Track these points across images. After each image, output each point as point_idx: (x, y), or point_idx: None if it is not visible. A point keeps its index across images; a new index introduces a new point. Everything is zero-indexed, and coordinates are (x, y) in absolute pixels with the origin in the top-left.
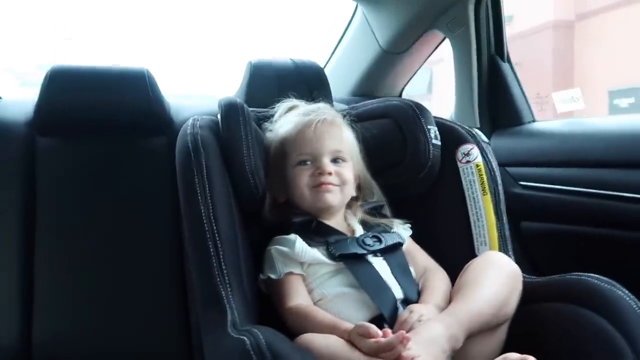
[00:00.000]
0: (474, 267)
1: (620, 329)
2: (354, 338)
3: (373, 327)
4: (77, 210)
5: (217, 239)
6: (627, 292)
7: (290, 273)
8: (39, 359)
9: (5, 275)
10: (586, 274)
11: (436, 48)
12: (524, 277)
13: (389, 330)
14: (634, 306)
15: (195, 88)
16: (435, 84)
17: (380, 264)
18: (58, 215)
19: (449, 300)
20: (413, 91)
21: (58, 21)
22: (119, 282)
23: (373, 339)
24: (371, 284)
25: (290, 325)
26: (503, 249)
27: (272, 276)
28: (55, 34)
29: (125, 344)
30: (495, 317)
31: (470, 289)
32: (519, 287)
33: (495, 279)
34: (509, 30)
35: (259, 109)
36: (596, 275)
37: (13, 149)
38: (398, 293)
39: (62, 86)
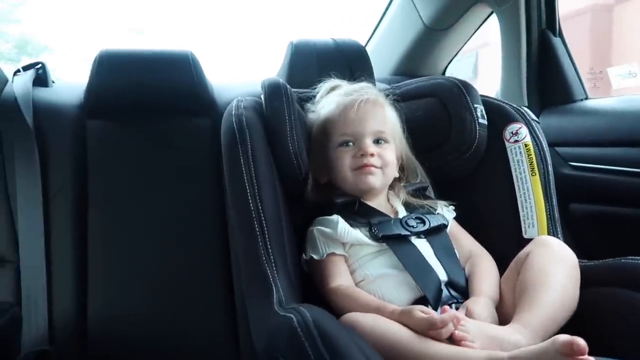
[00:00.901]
0: (536, 262)
1: None
2: (403, 316)
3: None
4: (125, 190)
5: (263, 218)
6: None
7: (333, 254)
8: (94, 336)
9: (61, 253)
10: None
11: (483, 23)
12: None
13: (447, 307)
14: None
15: (238, 71)
16: (481, 68)
17: (423, 246)
18: (108, 196)
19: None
20: (458, 75)
21: (129, 13)
22: (167, 261)
23: (426, 315)
24: (414, 266)
25: (333, 305)
26: (552, 231)
27: (315, 257)
28: (126, 25)
29: (172, 320)
30: (567, 318)
31: (541, 292)
32: (579, 278)
33: (563, 277)
34: None
35: (300, 90)
36: None
37: (65, 131)
38: (442, 275)
39: (110, 70)
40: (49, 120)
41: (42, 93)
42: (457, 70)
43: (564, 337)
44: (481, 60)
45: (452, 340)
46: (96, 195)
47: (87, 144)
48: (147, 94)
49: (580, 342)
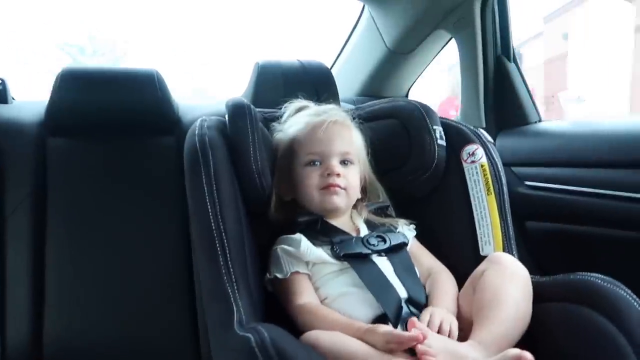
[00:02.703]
0: (491, 280)
1: (622, 328)
2: (368, 334)
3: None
4: (87, 209)
5: (224, 237)
6: (629, 292)
7: (297, 272)
8: (50, 356)
9: (16, 274)
10: (589, 273)
11: (443, 47)
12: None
13: (415, 320)
14: (637, 306)
15: (203, 90)
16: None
17: (384, 264)
18: (68, 214)
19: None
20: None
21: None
22: (128, 280)
23: (388, 330)
24: (375, 284)
25: (300, 323)
26: (507, 248)
27: (279, 275)
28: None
29: (134, 340)
30: (521, 333)
31: (494, 310)
32: (532, 293)
33: (516, 294)
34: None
35: (266, 110)
36: (599, 275)
37: (25, 149)
38: (402, 293)
39: (72, 87)
40: (8, 137)
41: (2, 109)
42: None
43: (513, 351)
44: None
45: (414, 353)
46: (55, 215)
47: (48, 162)
48: (110, 112)
49: (528, 356)
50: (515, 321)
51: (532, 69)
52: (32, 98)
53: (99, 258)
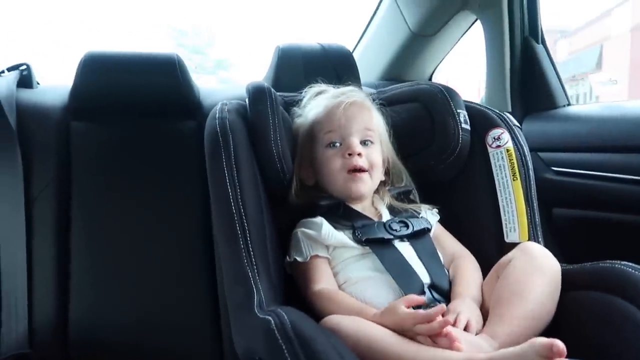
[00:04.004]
0: (516, 271)
1: None
2: (386, 315)
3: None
4: (110, 192)
5: (245, 221)
6: None
7: (317, 256)
8: (76, 339)
9: (42, 256)
10: (619, 261)
11: (467, 29)
12: None
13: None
14: None
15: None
16: (605, 61)
17: (407, 249)
18: (92, 197)
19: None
20: (580, 68)
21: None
22: (151, 261)
23: (409, 310)
24: (397, 269)
25: (317, 308)
26: (533, 235)
27: (299, 259)
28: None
29: (156, 320)
30: (540, 329)
31: (514, 305)
32: (559, 288)
33: (541, 288)
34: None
35: (286, 94)
36: (630, 264)
37: (49, 133)
38: (425, 278)
39: (95, 72)
40: (33, 121)
41: (26, 94)
42: (579, 62)
43: (542, 340)
44: (605, 53)
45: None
46: (79, 197)
47: (71, 146)
48: (132, 96)
49: (559, 344)
50: (533, 319)
51: (618, 36)
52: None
53: (122, 240)
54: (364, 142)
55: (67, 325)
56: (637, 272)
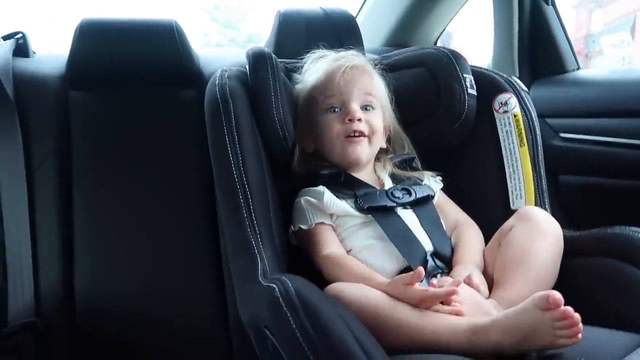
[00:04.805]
0: (518, 237)
1: None
2: (393, 287)
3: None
4: (110, 161)
5: (247, 189)
6: None
7: (322, 223)
8: (82, 308)
9: (45, 227)
10: (625, 226)
11: None
12: (562, 231)
13: (444, 278)
14: None
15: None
16: (639, 31)
17: (409, 217)
18: (93, 167)
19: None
20: (613, 38)
21: None
22: (153, 230)
23: (416, 287)
24: (399, 237)
25: (325, 273)
26: (540, 202)
27: (303, 227)
28: None
29: (161, 294)
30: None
31: (518, 271)
32: (562, 251)
33: (544, 252)
34: None
35: (288, 60)
36: (636, 229)
37: (47, 103)
38: (428, 246)
39: (92, 39)
40: (30, 91)
41: (23, 63)
42: (614, 31)
43: (540, 293)
44: (639, 23)
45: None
46: (80, 167)
47: (70, 115)
48: (130, 64)
49: (556, 294)
50: (539, 283)
51: None
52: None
53: (124, 209)
54: (364, 107)
55: (73, 293)
56: None
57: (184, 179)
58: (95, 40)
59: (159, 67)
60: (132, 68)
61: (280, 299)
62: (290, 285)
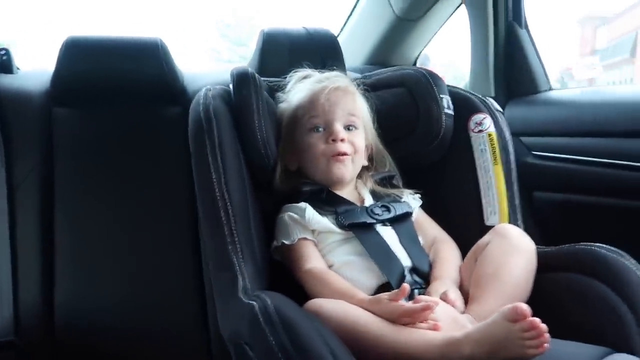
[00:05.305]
0: (493, 253)
1: (623, 296)
2: (373, 304)
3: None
4: (93, 177)
5: (229, 207)
6: (634, 262)
7: (304, 238)
8: (62, 325)
9: (26, 241)
10: (594, 244)
11: (452, 14)
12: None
13: (420, 297)
14: (639, 275)
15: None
16: None
17: (388, 233)
18: (75, 183)
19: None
20: (614, 55)
21: None
22: (135, 247)
23: (396, 303)
24: (379, 253)
25: (307, 287)
26: (513, 219)
27: (286, 242)
28: None
29: (142, 310)
30: None
31: (492, 286)
32: (535, 267)
33: (517, 269)
34: None
35: (271, 79)
36: (604, 246)
37: (31, 119)
38: (406, 262)
39: (77, 56)
40: (14, 107)
41: (7, 80)
42: (613, 50)
43: (508, 306)
44: None
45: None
46: (62, 184)
47: (54, 132)
48: (115, 81)
49: (523, 306)
50: (512, 298)
51: None
52: (38, 67)
53: (106, 226)
54: (347, 127)
55: (53, 310)
56: (610, 254)
57: (166, 195)
58: (81, 57)
59: (143, 84)
60: (117, 85)
61: (260, 316)
62: (269, 302)
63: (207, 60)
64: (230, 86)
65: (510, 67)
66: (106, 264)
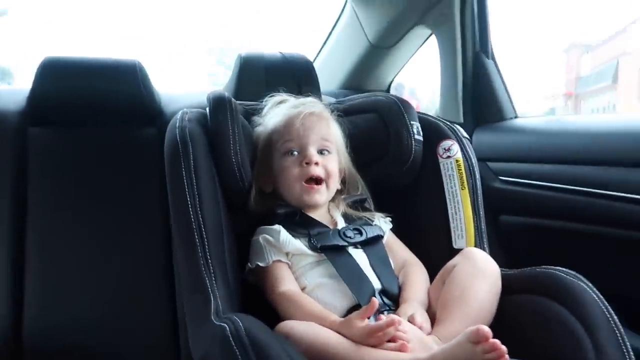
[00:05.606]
0: (459, 276)
1: (581, 319)
2: (342, 326)
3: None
4: (67, 199)
5: (203, 230)
6: (590, 285)
7: (279, 260)
8: (31, 346)
9: None
10: (554, 267)
11: (423, 43)
12: (500, 270)
13: (382, 316)
14: (596, 298)
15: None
16: (621, 75)
17: (360, 256)
18: (49, 205)
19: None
20: (597, 82)
21: None
22: (108, 269)
23: (363, 324)
24: (350, 275)
25: (280, 311)
26: (479, 242)
27: (261, 264)
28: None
29: (112, 328)
30: None
31: (458, 308)
32: (499, 290)
33: (482, 291)
34: None
35: (247, 103)
36: (563, 269)
37: (5, 138)
38: (376, 284)
39: (54, 77)
40: None
41: None
42: (596, 77)
43: (471, 328)
44: (622, 68)
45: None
46: (36, 204)
47: (29, 152)
48: (92, 102)
49: (485, 328)
50: (477, 321)
51: (631, 52)
52: (15, 86)
53: (79, 247)
54: (321, 152)
55: (21, 332)
56: (569, 278)
57: (142, 218)
58: (58, 78)
59: (120, 105)
60: (93, 105)
61: (231, 338)
62: (240, 324)
63: (206, 83)
64: (207, 109)
65: (478, 95)
66: (77, 284)
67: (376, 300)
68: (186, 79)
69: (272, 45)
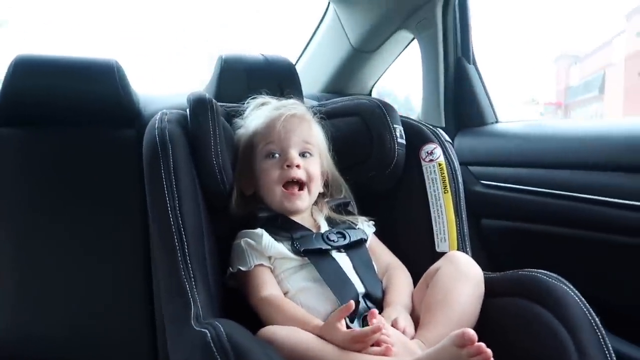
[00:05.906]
0: (443, 279)
1: (564, 321)
2: (325, 331)
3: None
4: (40, 202)
5: (183, 233)
6: (572, 287)
7: (261, 265)
8: (2, 352)
9: None
10: (536, 270)
11: (405, 48)
12: (483, 273)
13: (375, 312)
14: (578, 301)
15: (165, 83)
16: (608, 86)
17: (343, 260)
18: (21, 208)
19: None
20: (585, 92)
21: None
22: (84, 274)
23: (347, 330)
24: (333, 279)
25: (262, 316)
26: (461, 245)
27: (243, 268)
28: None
29: (89, 334)
30: None
31: (442, 311)
32: (482, 293)
33: (467, 296)
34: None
35: (228, 104)
36: (545, 272)
37: None
38: (360, 288)
39: (27, 76)
40: None
41: None
42: (583, 87)
43: (456, 332)
44: (608, 79)
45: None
46: (6, 208)
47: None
48: (66, 102)
49: (470, 332)
50: (460, 324)
51: (617, 64)
52: None
53: (53, 251)
54: (302, 154)
55: None
56: (551, 280)
57: (119, 222)
58: (31, 77)
59: (97, 106)
60: (69, 107)
61: (212, 344)
62: (222, 329)
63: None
64: (187, 111)
65: (460, 99)
66: (52, 292)
67: (352, 303)
68: (186, 79)
69: (255, 46)
